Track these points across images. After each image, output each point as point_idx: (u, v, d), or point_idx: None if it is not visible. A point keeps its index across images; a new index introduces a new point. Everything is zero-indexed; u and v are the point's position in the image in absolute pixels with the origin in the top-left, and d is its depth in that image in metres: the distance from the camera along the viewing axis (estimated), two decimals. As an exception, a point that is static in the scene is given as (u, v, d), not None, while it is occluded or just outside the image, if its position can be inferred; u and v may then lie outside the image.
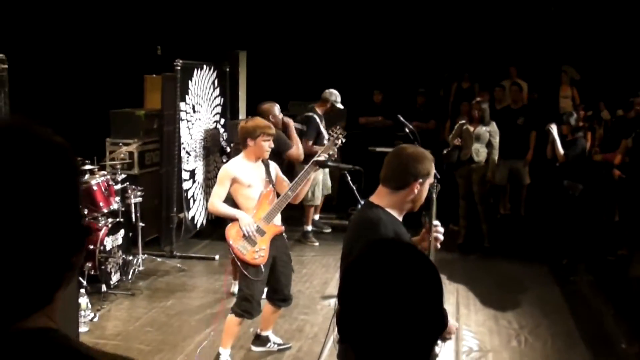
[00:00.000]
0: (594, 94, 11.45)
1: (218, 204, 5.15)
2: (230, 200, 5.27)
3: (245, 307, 5.13)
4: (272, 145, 5.34)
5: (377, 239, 2.16)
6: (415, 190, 3.19)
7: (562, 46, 11.91)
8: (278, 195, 5.25)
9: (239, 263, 5.09)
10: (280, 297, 5.43)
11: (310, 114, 8.82)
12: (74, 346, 1.08)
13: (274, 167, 5.42)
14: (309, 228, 9.27)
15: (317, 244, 9.11)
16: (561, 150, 8.41)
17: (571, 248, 8.53)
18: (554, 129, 8.50)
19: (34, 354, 1.03)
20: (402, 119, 8.31)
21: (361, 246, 2.94)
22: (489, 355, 5.78)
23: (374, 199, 3.28)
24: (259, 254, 5.10)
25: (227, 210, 5.17)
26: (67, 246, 1.06)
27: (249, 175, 5.18)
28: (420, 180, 3.18)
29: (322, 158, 5.21)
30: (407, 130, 8.22)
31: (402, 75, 12.30)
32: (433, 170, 3.26)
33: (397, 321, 1.46)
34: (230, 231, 5.08)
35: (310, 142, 8.48)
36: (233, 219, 5.12)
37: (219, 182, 5.20)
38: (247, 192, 5.17)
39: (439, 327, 1.53)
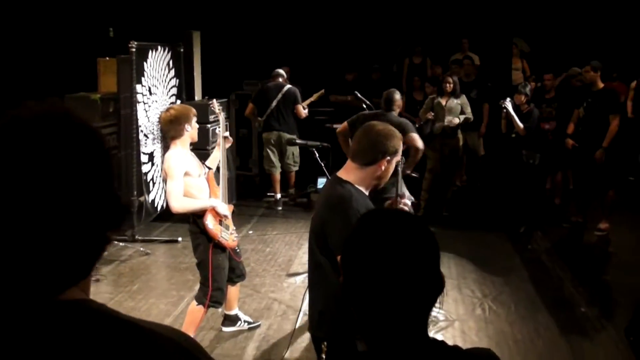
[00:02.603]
0: (542, 65, 11.65)
1: (185, 201, 4.83)
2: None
3: (217, 298, 5.12)
4: (197, 126, 5.10)
5: (373, 209, 2.21)
6: (382, 167, 3.24)
7: (512, 18, 12.07)
8: None
9: (231, 252, 5.12)
10: (237, 274, 5.45)
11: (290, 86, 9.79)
12: (112, 314, 1.12)
13: None
14: (278, 196, 9.93)
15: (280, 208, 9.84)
16: (521, 125, 8.59)
17: (530, 216, 8.75)
18: (509, 105, 8.66)
19: (74, 322, 1.06)
20: (359, 95, 8.37)
21: (340, 219, 3.02)
22: (455, 324, 5.91)
23: (341, 174, 3.32)
24: (234, 234, 5.17)
25: (198, 203, 4.92)
26: (103, 221, 1.10)
27: (194, 166, 4.97)
28: (388, 157, 3.24)
29: (227, 134, 5.48)
30: (364, 106, 8.28)
31: (360, 52, 12.33)
32: (401, 148, 3.33)
33: (401, 285, 1.52)
34: (209, 225, 4.91)
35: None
36: (203, 211, 4.92)
37: (173, 177, 4.79)
38: (197, 183, 4.96)
39: (439, 287, 1.59)
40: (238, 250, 5.25)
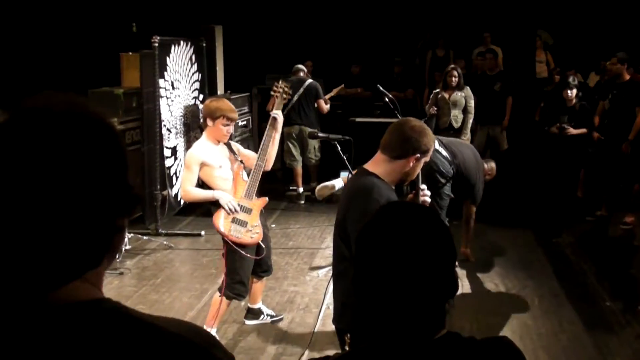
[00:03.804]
0: (566, 57, 11.55)
1: (192, 190, 4.98)
2: (205, 187, 5.10)
3: (239, 291, 5.14)
4: (232, 131, 5.16)
5: (392, 201, 2.20)
6: (411, 164, 3.21)
7: (535, 10, 11.97)
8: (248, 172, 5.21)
9: (237, 248, 4.99)
10: (263, 269, 5.46)
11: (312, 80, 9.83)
12: (126, 313, 1.11)
13: (235, 145, 5.33)
14: (301, 189, 9.98)
15: (302, 201, 9.89)
16: (593, 132, 8.60)
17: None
18: (571, 130, 8.60)
19: (92, 327, 1.05)
20: (381, 88, 8.34)
21: (358, 208, 3.03)
22: (478, 318, 5.88)
23: (368, 166, 3.31)
24: (253, 232, 5.06)
25: (203, 193, 5.01)
26: (112, 208, 1.09)
27: (215, 157, 5.03)
28: (418, 155, 3.21)
29: (278, 116, 5.17)
30: (386, 99, 8.25)
31: (379, 45, 12.31)
32: (432, 149, 3.30)
33: (412, 281, 1.50)
34: (218, 220, 4.95)
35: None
36: (212, 202, 5.00)
37: (186, 168, 5.02)
38: (220, 174, 5.03)
39: (452, 287, 1.58)
40: (262, 246, 5.20)
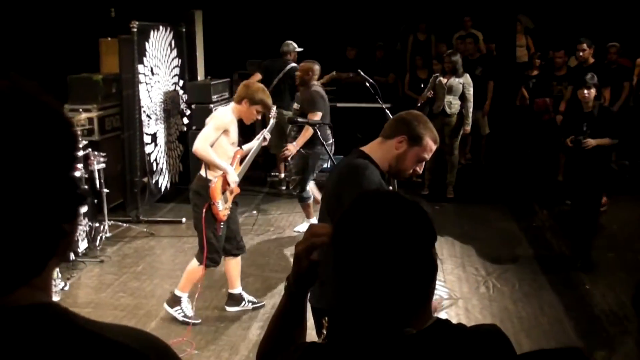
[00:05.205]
0: (547, 42, 11.55)
1: (210, 151, 5.08)
2: None
3: (214, 258, 5.35)
4: (259, 118, 5.45)
5: (368, 190, 2.18)
6: (401, 147, 3.16)
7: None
8: None
9: (219, 220, 5.26)
10: (235, 246, 5.58)
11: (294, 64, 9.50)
12: (75, 321, 1.03)
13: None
14: (282, 175, 9.96)
15: (284, 187, 9.76)
16: (610, 140, 6.89)
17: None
18: (591, 142, 7.22)
19: (33, 332, 0.98)
20: (362, 73, 8.31)
21: (355, 187, 3.00)
22: (459, 303, 5.91)
23: (364, 147, 3.29)
24: (227, 210, 5.33)
25: (217, 160, 5.12)
26: (57, 212, 1.00)
27: (235, 131, 5.26)
28: (407, 136, 3.16)
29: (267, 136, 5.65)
30: (367, 84, 8.22)
31: (361, 30, 12.25)
32: (426, 142, 3.19)
33: (389, 268, 1.49)
34: (214, 183, 5.14)
35: None
36: (217, 171, 5.17)
37: (213, 127, 5.11)
38: (228, 148, 5.22)
39: (430, 272, 1.56)
40: (222, 226, 5.36)
